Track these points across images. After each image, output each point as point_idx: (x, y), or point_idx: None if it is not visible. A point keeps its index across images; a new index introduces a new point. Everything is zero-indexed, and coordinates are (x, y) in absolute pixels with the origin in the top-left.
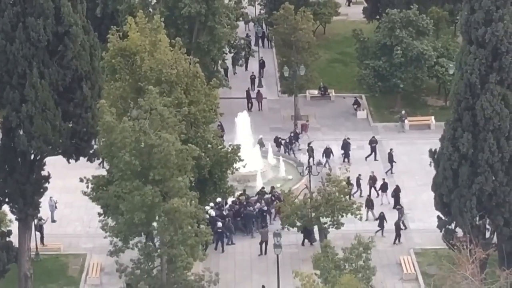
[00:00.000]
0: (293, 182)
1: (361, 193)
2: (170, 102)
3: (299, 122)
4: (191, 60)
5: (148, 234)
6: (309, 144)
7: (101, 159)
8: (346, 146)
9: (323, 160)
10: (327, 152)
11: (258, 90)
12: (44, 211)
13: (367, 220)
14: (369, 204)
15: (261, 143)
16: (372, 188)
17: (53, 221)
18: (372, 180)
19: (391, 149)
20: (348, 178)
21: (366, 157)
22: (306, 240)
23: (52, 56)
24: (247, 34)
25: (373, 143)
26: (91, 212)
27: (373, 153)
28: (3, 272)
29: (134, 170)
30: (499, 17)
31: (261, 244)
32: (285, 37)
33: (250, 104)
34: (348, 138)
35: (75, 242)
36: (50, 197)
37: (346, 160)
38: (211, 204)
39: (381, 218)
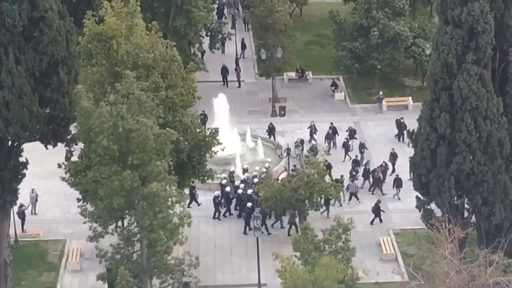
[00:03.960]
0: (271, 164)
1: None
2: (147, 86)
3: None
4: (168, 44)
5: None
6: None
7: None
8: (400, 125)
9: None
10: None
11: (237, 70)
12: (23, 198)
13: (399, 199)
14: (397, 183)
15: (314, 149)
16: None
17: (35, 213)
18: (393, 156)
19: (401, 118)
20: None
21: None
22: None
23: (27, 41)
24: (224, 16)
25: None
26: (70, 198)
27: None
28: None
29: (112, 155)
30: None
31: (289, 225)
32: (262, 20)
33: (226, 82)
34: (402, 118)
35: (54, 228)
36: (32, 189)
37: (401, 139)
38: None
39: None
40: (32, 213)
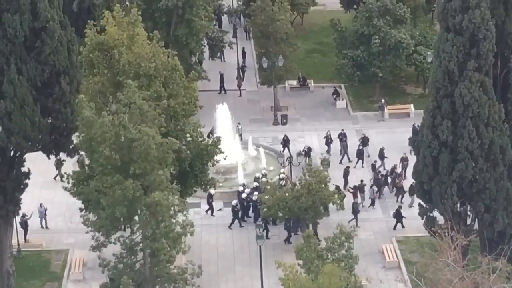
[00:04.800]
0: (274, 173)
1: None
2: (149, 95)
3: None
4: (169, 53)
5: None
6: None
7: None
8: (417, 132)
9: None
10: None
11: (238, 78)
12: (25, 208)
13: (412, 207)
14: (413, 191)
15: (326, 162)
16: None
17: (46, 227)
18: (405, 161)
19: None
20: None
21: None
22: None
23: (29, 51)
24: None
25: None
26: (73, 208)
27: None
28: None
29: (115, 164)
30: (476, 4)
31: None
32: (263, 29)
33: (223, 90)
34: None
35: (57, 237)
36: (41, 204)
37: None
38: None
39: None
40: (43, 227)
